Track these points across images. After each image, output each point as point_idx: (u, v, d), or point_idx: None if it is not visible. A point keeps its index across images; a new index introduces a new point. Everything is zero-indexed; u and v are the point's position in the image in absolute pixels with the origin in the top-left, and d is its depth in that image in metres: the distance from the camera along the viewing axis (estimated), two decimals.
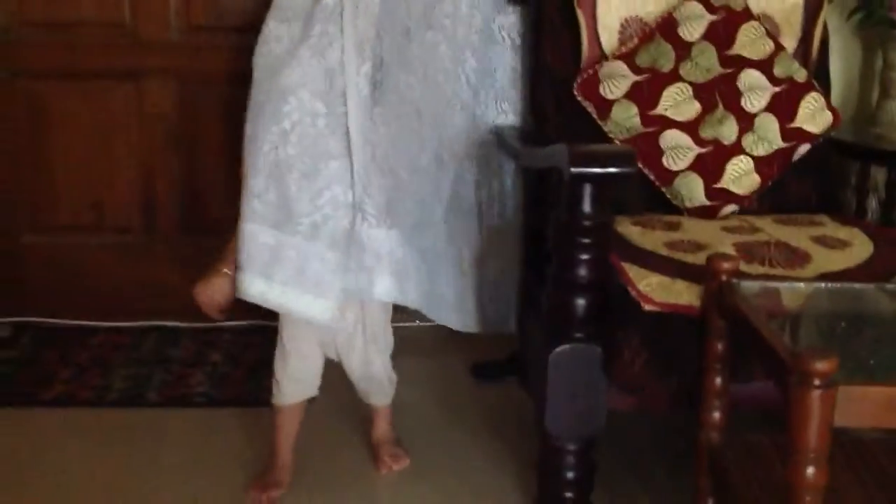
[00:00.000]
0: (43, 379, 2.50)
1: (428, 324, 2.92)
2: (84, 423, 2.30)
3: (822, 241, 1.99)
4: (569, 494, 1.89)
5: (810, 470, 1.27)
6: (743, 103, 2.24)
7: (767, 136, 2.24)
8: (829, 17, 2.49)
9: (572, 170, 1.73)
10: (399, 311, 2.85)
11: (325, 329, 2.03)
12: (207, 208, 2.83)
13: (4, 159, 2.78)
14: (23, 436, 2.25)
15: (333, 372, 2.15)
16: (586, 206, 1.78)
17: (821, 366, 1.24)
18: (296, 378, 2.06)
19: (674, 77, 2.24)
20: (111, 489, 2.04)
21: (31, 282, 2.84)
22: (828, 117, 2.29)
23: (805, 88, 2.28)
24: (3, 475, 2.08)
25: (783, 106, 2.25)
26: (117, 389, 2.45)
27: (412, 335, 2.89)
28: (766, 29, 2.32)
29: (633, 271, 1.82)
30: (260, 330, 2.75)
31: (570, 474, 1.88)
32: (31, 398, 2.41)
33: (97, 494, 2.02)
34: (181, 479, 2.08)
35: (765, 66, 2.27)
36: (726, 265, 1.65)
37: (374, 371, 2.15)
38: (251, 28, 2.71)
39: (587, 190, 1.77)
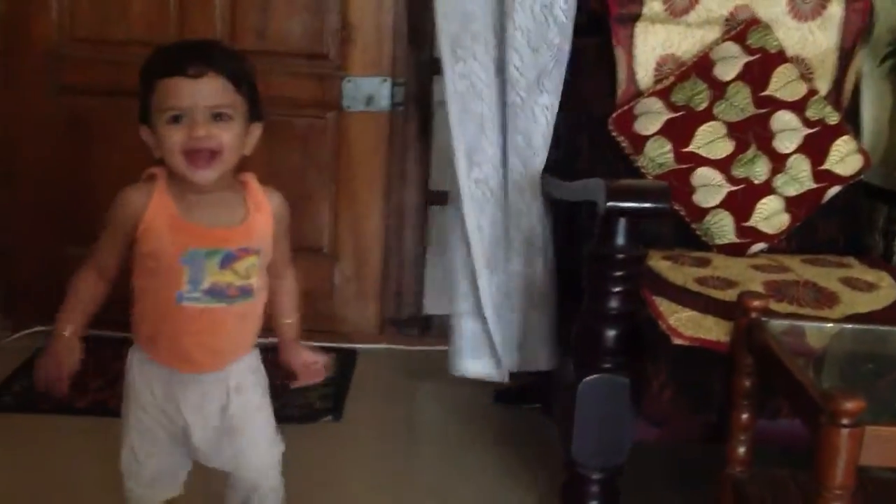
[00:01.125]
0: (77, 388, 2.53)
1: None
2: (112, 432, 2.34)
3: (849, 282, 2.02)
4: None
5: None
6: (775, 144, 2.28)
7: (798, 177, 2.28)
8: (862, 61, 2.53)
9: (608, 204, 1.78)
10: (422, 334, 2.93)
11: None
12: None
13: (48, 173, 2.85)
14: (54, 442, 2.29)
15: None
16: (620, 240, 1.82)
17: (850, 405, 1.27)
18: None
19: (708, 115, 2.28)
20: None
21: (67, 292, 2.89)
22: (858, 160, 2.33)
23: (837, 131, 2.32)
24: (33, 479, 2.12)
25: (815, 148, 2.29)
26: None
27: (436, 358, 2.93)
28: (800, 72, 2.36)
29: (663, 305, 1.86)
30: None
31: (594, 502, 1.91)
32: (63, 406, 2.45)
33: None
34: (200, 487, 2.11)
35: (798, 107, 2.31)
36: (756, 303, 1.69)
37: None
38: (296, 54, 2.80)
39: (621, 224, 1.81)
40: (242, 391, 1.61)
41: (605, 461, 1.88)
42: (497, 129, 2.38)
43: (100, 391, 2.54)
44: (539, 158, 2.36)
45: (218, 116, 1.45)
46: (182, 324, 1.53)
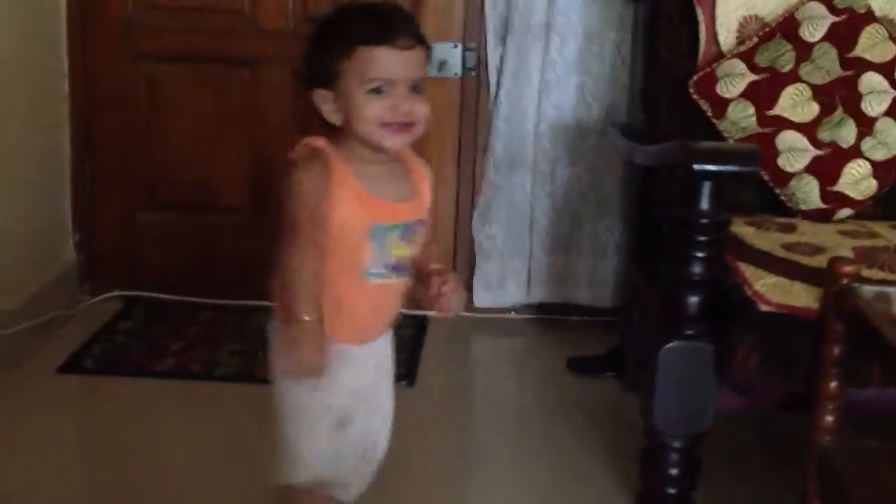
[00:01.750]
0: (155, 351, 2.59)
1: (524, 316, 2.96)
2: (194, 395, 2.38)
3: None
4: (671, 490, 1.90)
5: None
6: (863, 107, 2.21)
7: (887, 141, 2.20)
8: None
9: (694, 167, 1.73)
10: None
11: None
12: None
13: (123, 139, 2.88)
14: (136, 404, 2.33)
15: None
16: (704, 204, 1.78)
17: None
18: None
19: (793, 77, 2.22)
20: (217, 456, 2.10)
21: (143, 257, 2.94)
22: None
23: None
24: (116, 440, 2.16)
25: None
26: (225, 364, 2.52)
27: (509, 328, 2.92)
28: (888, 32, 2.28)
29: (749, 271, 1.82)
30: None
31: (673, 471, 1.88)
32: (144, 369, 2.49)
33: (204, 461, 2.08)
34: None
35: (886, 69, 2.23)
36: (848, 269, 1.63)
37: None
38: None
39: (706, 187, 1.77)
40: (384, 366, 1.58)
41: (686, 429, 1.85)
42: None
43: (179, 354, 2.57)
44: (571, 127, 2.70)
45: (415, 88, 1.40)
46: (363, 299, 1.47)
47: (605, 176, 2.80)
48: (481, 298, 2.89)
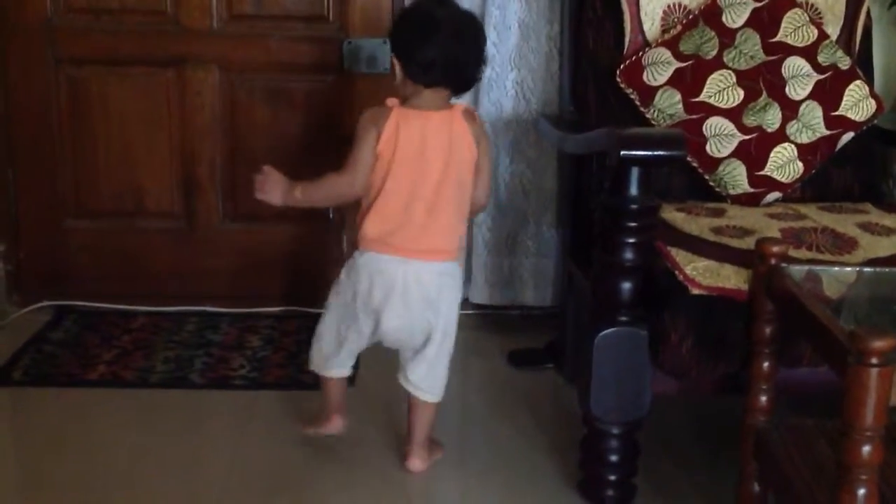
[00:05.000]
0: (87, 360, 2.53)
1: (463, 312, 2.94)
2: (128, 404, 2.33)
3: (867, 227, 1.99)
4: (612, 477, 1.90)
5: (866, 448, 1.28)
6: (787, 91, 2.24)
7: (811, 124, 2.24)
8: (872, 5, 2.49)
9: (621, 153, 1.74)
10: None
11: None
12: (248, 195, 2.85)
13: (47, 145, 2.81)
14: (67, 415, 2.27)
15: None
16: (633, 190, 1.79)
17: (878, 344, 1.24)
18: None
19: (717, 64, 2.24)
20: (155, 464, 2.07)
21: (73, 265, 2.87)
22: (871, 105, 2.29)
23: (849, 76, 2.28)
24: (48, 452, 2.11)
25: (827, 94, 2.25)
26: (160, 371, 2.48)
27: None
28: (809, 16, 2.31)
29: (679, 255, 1.83)
30: (296, 316, 2.78)
31: (613, 457, 1.89)
32: (75, 379, 2.43)
33: (142, 469, 2.04)
34: (224, 455, 2.10)
35: (809, 53, 2.27)
36: (776, 249, 1.65)
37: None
38: (292, 17, 2.76)
39: (634, 173, 1.78)
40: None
41: (624, 416, 1.86)
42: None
43: (112, 362, 2.52)
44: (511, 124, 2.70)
45: None
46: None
47: (546, 173, 2.79)
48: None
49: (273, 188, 2.00)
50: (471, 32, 1.94)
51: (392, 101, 1.93)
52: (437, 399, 2.04)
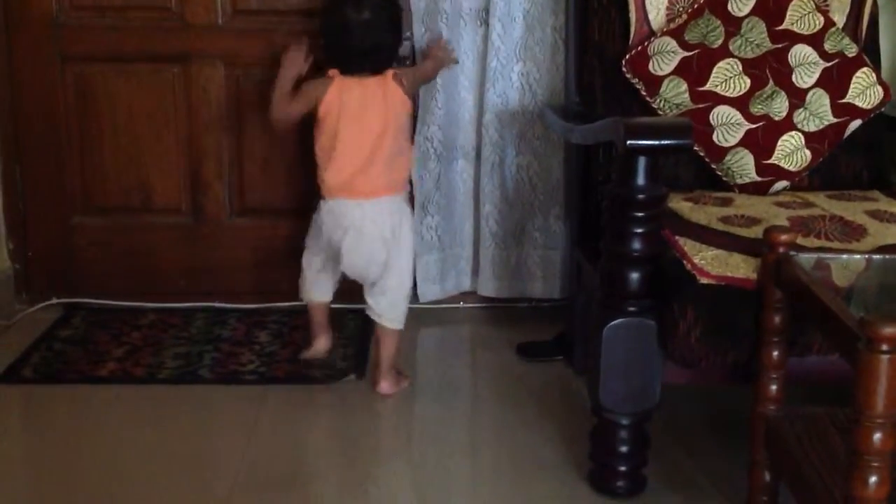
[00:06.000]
0: (96, 357, 2.53)
1: (472, 305, 2.95)
2: (138, 399, 2.34)
3: (876, 215, 1.98)
4: (622, 468, 1.90)
5: (878, 436, 1.27)
6: (794, 79, 2.23)
7: (819, 112, 2.23)
8: None
9: (628, 142, 1.74)
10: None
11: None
12: (253, 190, 2.86)
13: (54, 142, 2.81)
14: (78, 412, 2.28)
15: None
16: (640, 180, 1.79)
17: (889, 331, 1.23)
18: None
19: (724, 53, 2.23)
20: (165, 460, 2.07)
21: (81, 263, 2.88)
22: (879, 92, 2.28)
23: (856, 64, 2.27)
24: (59, 449, 2.12)
25: (834, 81, 2.25)
26: (169, 367, 2.48)
27: (457, 317, 2.91)
28: (815, 4, 2.30)
29: (687, 245, 1.82)
30: (304, 311, 2.77)
31: (623, 448, 1.89)
32: (85, 375, 2.44)
33: (153, 465, 2.05)
34: (235, 450, 2.11)
35: (815, 41, 2.26)
36: (784, 237, 1.65)
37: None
38: (296, 11, 2.76)
39: (641, 163, 1.77)
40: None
41: (633, 406, 1.85)
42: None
43: (122, 359, 2.52)
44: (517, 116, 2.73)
45: None
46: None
47: (552, 164, 2.78)
48: (426, 293, 2.86)
49: (291, 65, 2.39)
50: (381, 22, 2.30)
51: (333, 72, 2.30)
52: (399, 326, 2.37)
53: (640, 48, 2.29)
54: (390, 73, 2.32)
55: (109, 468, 2.04)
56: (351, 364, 2.51)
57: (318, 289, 2.47)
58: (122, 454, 2.09)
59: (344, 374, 2.45)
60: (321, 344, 2.52)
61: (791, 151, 2.22)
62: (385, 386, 2.36)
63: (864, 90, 2.25)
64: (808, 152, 2.23)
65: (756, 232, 1.83)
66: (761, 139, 2.20)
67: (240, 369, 2.48)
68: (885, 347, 1.24)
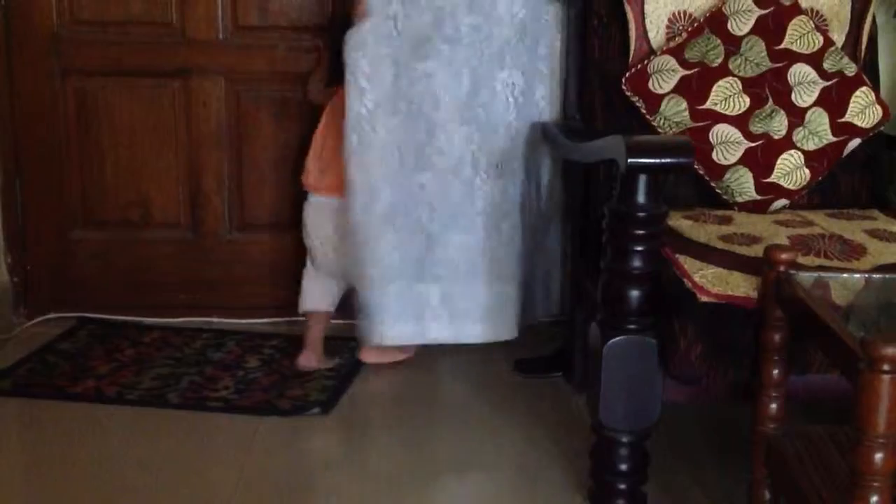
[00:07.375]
0: (80, 374, 2.50)
1: None
2: (104, 420, 2.29)
3: (876, 234, 1.99)
4: (622, 486, 1.90)
5: (879, 455, 1.27)
6: (793, 98, 2.24)
7: (818, 131, 2.24)
8: (877, 12, 2.49)
9: (629, 161, 1.74)
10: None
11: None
12: (254, 205, 2.87)
13: (54, 156, 2.82)
14: (41, 429, 2.26)
15: None
16: (641, 198, 1.79)
17: (890, 351, 1.23)
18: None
19: (723, 71, 2.24)
20: (95, 484, 2.01)
21: (80, 277, 2.88)
22: (878, 112, 2.29)
23: (855, 83, 2.28)
24: (25, 464, 2.10)
25: (833, 100, 2.25)
26: (141, 389, 2.43)
27: None
28: (815, 24, 2.31)
29: (688, 263, 1.83)
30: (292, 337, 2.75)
31: (623, 466, 1.88)
32: (58, 392, 2.41)
33: (85, 491, 1.99)
34: (170, 478, 2.05)
35: (815, 60, 2.27)
36: (784, 256, 1.65)
37: None
38: (296, 27, 2.77)
39: (642, 181, 1.78)
40: None
41: (633, 424, 1.85)
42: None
43: (101, 378, 2.48)
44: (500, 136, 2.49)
45: None
46: None
47: (553, 181, 2.76)
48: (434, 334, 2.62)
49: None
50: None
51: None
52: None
53: (640, 66, 2.30)
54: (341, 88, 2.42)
55: (46, 488, 2.00)
56: (324, 397, 2.41)
57: (311, 296, 2.57)
58: (82, 472, 2.04)
59: (311, 408, 2.36)
60: (305, 358, 2.57)
61: (790, 170, 2.22)
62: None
63: (863, 109, 2.26)
64: (807, 171, 2.24)
65: (756, 250, 1.84)
66: (761, 158, 2.21)
67: (210, 395, 2.41)
68: (886, 367, 1.24)
